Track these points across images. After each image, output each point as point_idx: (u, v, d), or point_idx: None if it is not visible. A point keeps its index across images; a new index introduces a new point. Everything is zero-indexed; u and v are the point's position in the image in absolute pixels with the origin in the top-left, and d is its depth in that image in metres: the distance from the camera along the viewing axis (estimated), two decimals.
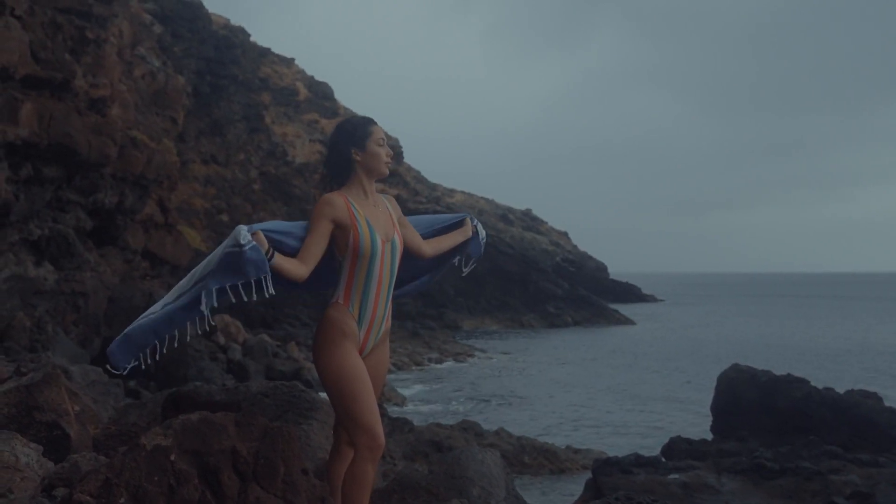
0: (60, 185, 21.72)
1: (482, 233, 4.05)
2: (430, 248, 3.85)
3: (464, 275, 4.12)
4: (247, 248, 3.19)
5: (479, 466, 4.16)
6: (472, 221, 4.02)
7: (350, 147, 3.54)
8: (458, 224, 4.01)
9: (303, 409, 4.13)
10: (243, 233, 3.22)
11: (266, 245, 3.27)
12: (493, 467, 4.24)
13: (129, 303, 23.59)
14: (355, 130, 3.58)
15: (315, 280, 3.97)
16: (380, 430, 3.43)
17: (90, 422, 3.57)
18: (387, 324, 3.64)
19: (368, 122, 3.65)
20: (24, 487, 2.61)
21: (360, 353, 3.50)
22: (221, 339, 26.80)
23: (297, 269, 3.34)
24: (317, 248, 3.40)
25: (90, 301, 22.47)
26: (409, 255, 3.75)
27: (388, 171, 3.65)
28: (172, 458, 2.53)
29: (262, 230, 3.35)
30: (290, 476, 2.84)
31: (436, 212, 3.80)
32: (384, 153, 3.59)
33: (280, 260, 3.30)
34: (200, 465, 2.61)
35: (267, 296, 3.24)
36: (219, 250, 3.27)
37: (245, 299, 3.25)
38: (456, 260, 4.06)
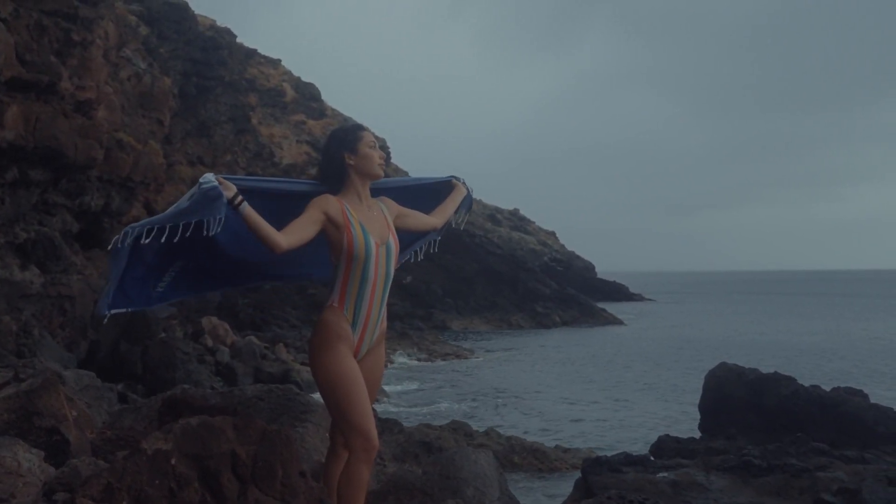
0: (46, 187, 21.64)
1: (470, 187, 4.25)
2: (440, 218, 4.00)
3: (461, 226, 4.28)
4: (204, 185, 3.15)
5: (473, 467, 4.21)
6: (460, 180, 4.18)
7: (343, 151, 3.61)
8: (447, 185, 4.14)
9: (297, 412, 4.16)
10: (206, 175, 3.22)
11: (233, 191, 3.23)
12: (486, 468, 4.28)
13: None
14: (346, 135, 3.67)
15: (299, 266, 4.02)
16: (374, 431, 3.49)
17: (86, 426, 3.60)
18: (382, 326, 3.69)
19: (359, 128, 3.74)
20: (26, 493, 2.64)
21: (356, 355, 3.56)
22: (209, 342, 26.74)
23: (277, 235, 3.28)
24: (302, 228, 3.38)
25: (77, 304, 22.37)
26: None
27: (382, 173, 3.72)
28: (173, 461, 2.56)
29: (239, 184, 3.33)
30: (289, 478, 2.88)
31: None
32: (377, 155, 3.67)
33: (254, 214, 3.24)
34: (200, 468, 2.64)
35: (211, 232, 3.14)
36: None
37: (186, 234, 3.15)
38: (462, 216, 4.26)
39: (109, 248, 3.24)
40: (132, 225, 3.24)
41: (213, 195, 3.14)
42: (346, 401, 3.43)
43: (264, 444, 2.86)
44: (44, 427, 3.20)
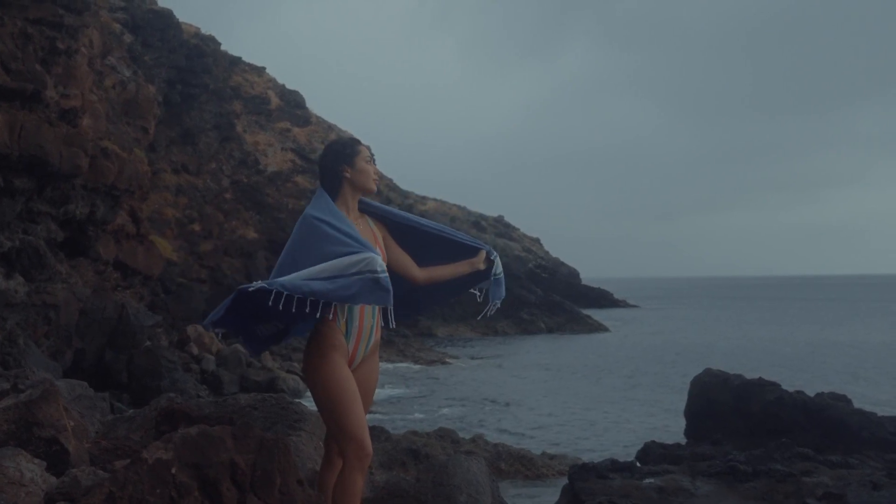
0: (31, 196, 21.55)
1: (498, 268, 3.96)
2: (424, 274, 3.84)
3: (479, 318, 4.14)
4: (383, 278, 3.34)
5: (466, 474, 4.26)
6: (490, 255, 3.94)
7: (341, 164, 3.68)
8: (471, 251, 3.92)
9: (291, 421, 4.20)
10: (379, 261, 3.39)
11: None
12: (478, 475, 4.33)
13: (101, 314, 23.40)
14: (344, 149, 3.73)
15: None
16: (367, 440, 3.53)
17: (82, 436, 3.62)
18: (376, 336, 3.74)
19: (356, 142, 3.81)
20: (28, 502, 2.67)
21: (350, 364, 3.60)
22: (195, 350, 26.65)
23: None
24: None
25: (61, 313, 22.26)
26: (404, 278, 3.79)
27: (375, 188, 3.79)
28: (173, 471, 2.60)
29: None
30: (287, 487, 2.92)
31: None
32: (372, 170, 3.74)
33: None
34: (200, 477, 2.68)
35: (392, 326, 3.49)
36: (348, 268, 3.32)
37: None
38: (477, 294, 4.02)
39: (245, 288, 3.21)
40: (283, 283, 3.20)
41: (384, 286, 3.33)
42: (341, 409, 3.47)
43: (262, 453, 2.90)
44: (43, 437, 3.23)
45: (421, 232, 3.88)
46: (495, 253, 3.97)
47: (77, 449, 3.37)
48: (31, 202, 21.61)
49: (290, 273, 3.31)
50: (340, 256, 3.32)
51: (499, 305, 3.98)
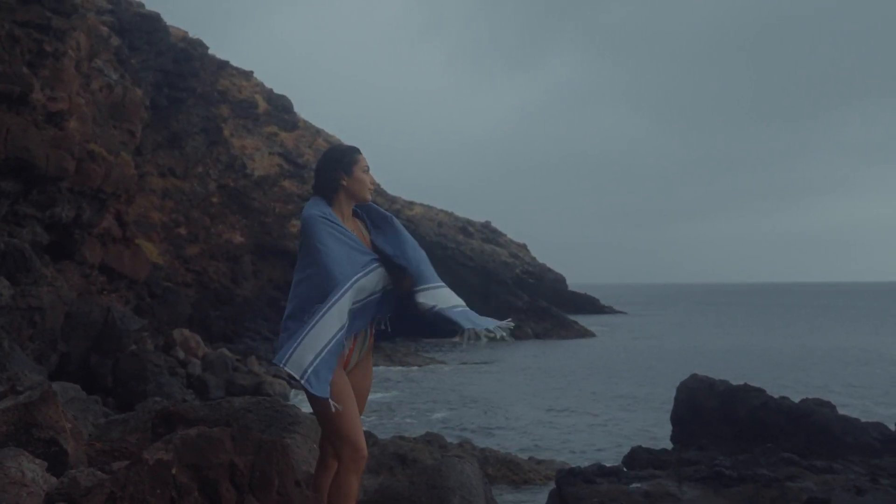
0: (17, 199, 21.46)
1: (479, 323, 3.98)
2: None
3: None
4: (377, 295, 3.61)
5: (459, 476, 4.30)
6: (468, 327, 3.94)
7: (338, 172, 3.71)
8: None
9: (286, 424, 4.23)
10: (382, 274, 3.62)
11: None
12: (472, 477, 4.37)
13: (87, 318, 23.27)
14: (343, 157, 3.77)
15: None
16: (362, 442, 3.57)
17: (78, 438, 3.64)
18: (370, 339, 3.78)
19: (354, 150, 3.84)
20: (29, 503, 2.69)
21: (345, 367, 3.64)
22: (181, 354, 26.50)
23: None
24: None
25: (47, 316, 22.14)
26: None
27: (370, 197, 3.83)
28: (174, 471, 2.63)
29: None
30: (285, 488, 2.96)
31: None
32: (368, 180, 3.78)
33: None
34: (200, 478, 2.71)
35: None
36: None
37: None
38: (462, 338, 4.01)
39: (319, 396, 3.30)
40: (328, 369, 3.32)
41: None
42: (336, 412, 3.50)
43: (261, 455, 2.93)
44: (42, 438, 3.25)
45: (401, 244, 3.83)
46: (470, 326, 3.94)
47: (75, 450, 3.39)
48: (16, 205, 21.52)
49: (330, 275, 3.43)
50: (364, 265, 3.53)
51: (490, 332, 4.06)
